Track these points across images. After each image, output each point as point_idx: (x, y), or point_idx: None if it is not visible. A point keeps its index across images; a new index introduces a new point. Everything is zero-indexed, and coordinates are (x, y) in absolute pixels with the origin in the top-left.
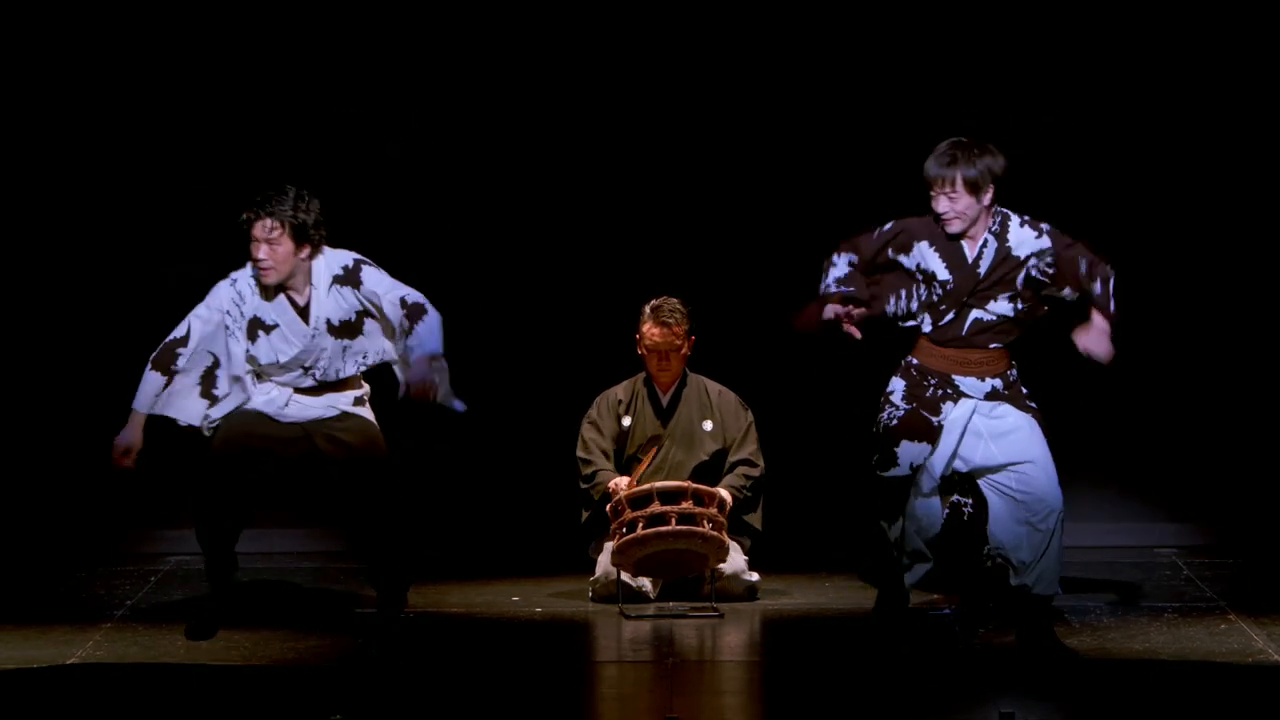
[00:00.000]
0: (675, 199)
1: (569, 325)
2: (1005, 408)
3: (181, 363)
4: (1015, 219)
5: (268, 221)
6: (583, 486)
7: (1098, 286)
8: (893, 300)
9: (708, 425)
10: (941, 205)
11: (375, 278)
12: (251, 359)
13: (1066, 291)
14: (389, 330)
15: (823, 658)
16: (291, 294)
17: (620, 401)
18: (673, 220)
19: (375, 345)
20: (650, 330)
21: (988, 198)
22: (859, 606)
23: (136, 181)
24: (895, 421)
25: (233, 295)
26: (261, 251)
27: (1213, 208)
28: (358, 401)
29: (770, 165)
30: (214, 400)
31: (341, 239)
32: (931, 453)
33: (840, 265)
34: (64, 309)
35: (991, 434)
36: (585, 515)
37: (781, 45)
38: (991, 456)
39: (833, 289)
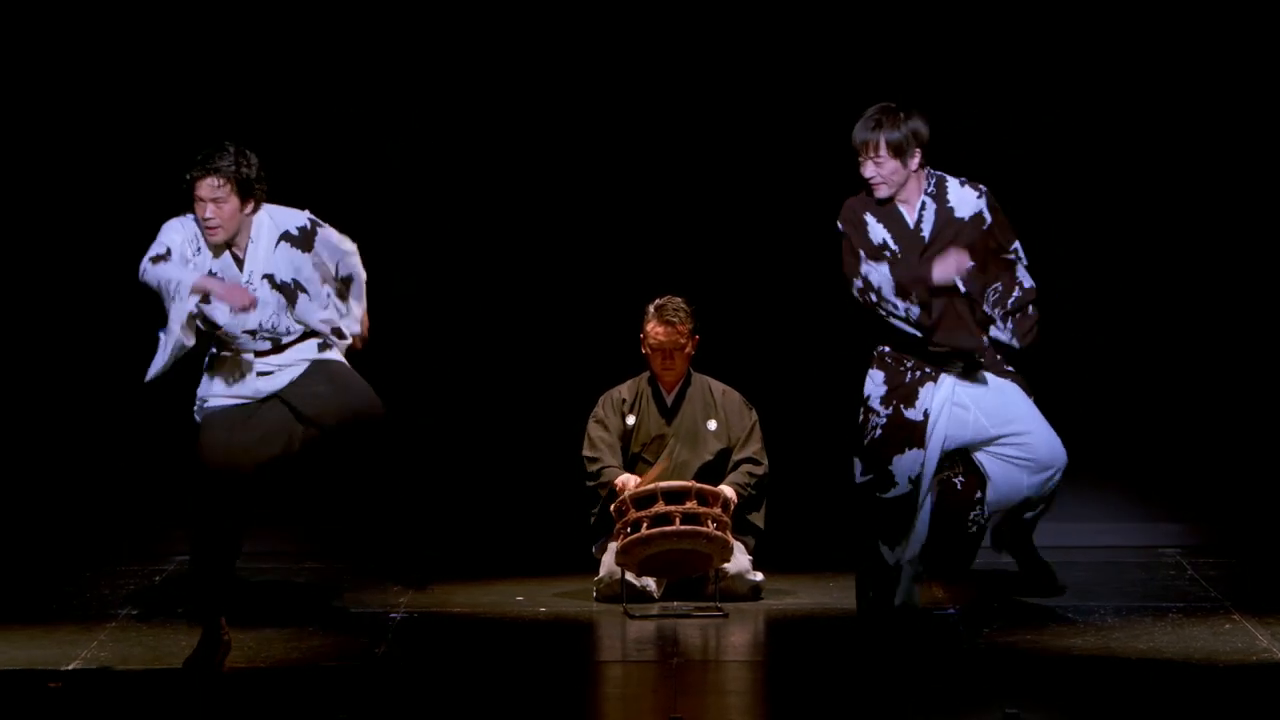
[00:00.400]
0: (679, 198)
1: (573, 324)
2: (984, 374)
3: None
4: (953, 180)
5: (213, 180)
6: (589, 485)
7: (1001, 314)
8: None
9: (712, 424)
10: (868, 170)
11: (327, 236)
12: (204, 317)
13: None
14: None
15: (827, 658)
16: (234, 250)
17: (624, 400)
18: (677, 220)
19: (313, 314)
20: (654, 329)
21: (914, 162)
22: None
23: (134, 180)
24: (880, 433)
25: (186, 237)
26: (209, 210)
27: (1212, 206)
28: (322, 347)
29: (774, 165)
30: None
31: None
32: (924, 459)
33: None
34: (68, 310)
35: (976, 403)
36: (594, 515)
37: (785, 45)
38: (983, 429)
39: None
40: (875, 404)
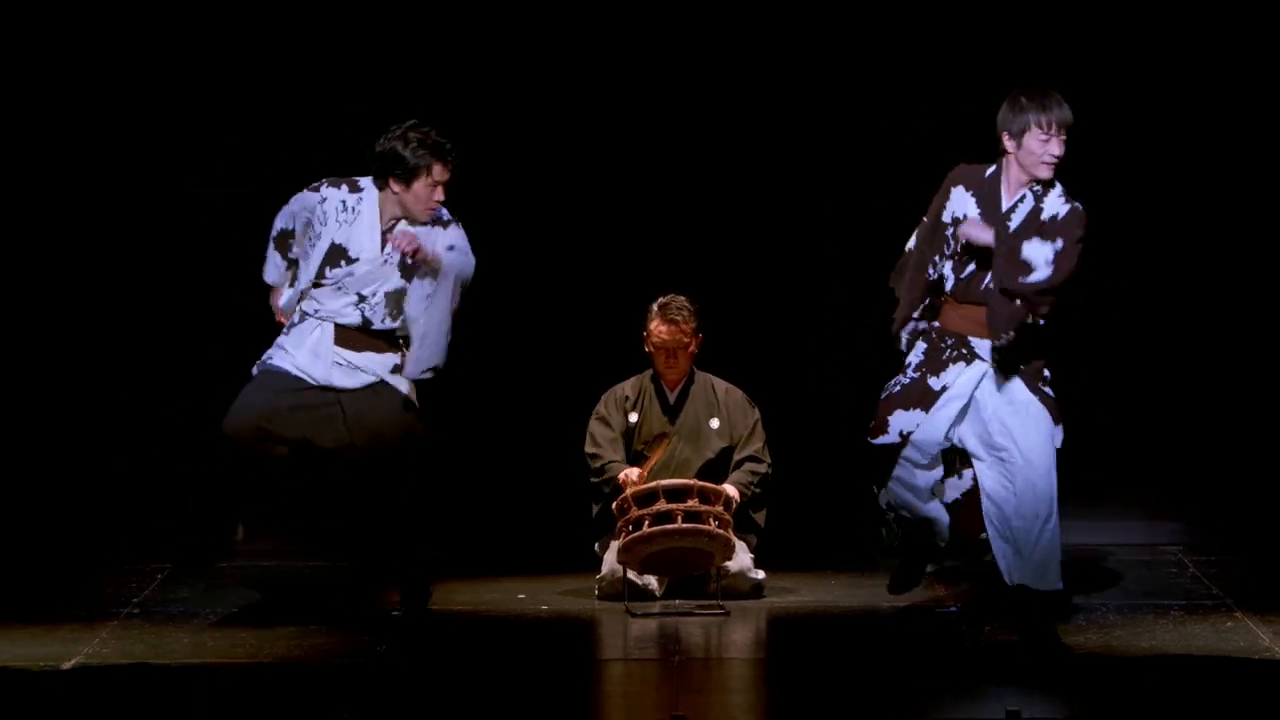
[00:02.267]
0: (683, 197)
1: (576, 323)
2: (1017, 382)
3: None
4: (1058, 187)
5: (448, 168)
6: (593, 480)
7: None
8: (932, 268)
9: (714, 423)
10: (1056, 148)
11: (453, 236)
12: (318, 273)
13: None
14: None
15: (829, 656)
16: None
17: (627, 398)
18: (680, 218)
19: (412, 299)
20: (658, 328)
21: None
22: (866, 604)
23: (136, 181)
24: (898, 389)
25: (319, 210)
26: (439, 194)
27: (1213, 205)
28: (395, 369)
29: (777, 163)
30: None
31: None
32: (920, 421)
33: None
34: (73, 311)
35: (997, 408)
36: (596, 509)
37: (788, 44)
38: (990, 441)
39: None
40: (909, 368)
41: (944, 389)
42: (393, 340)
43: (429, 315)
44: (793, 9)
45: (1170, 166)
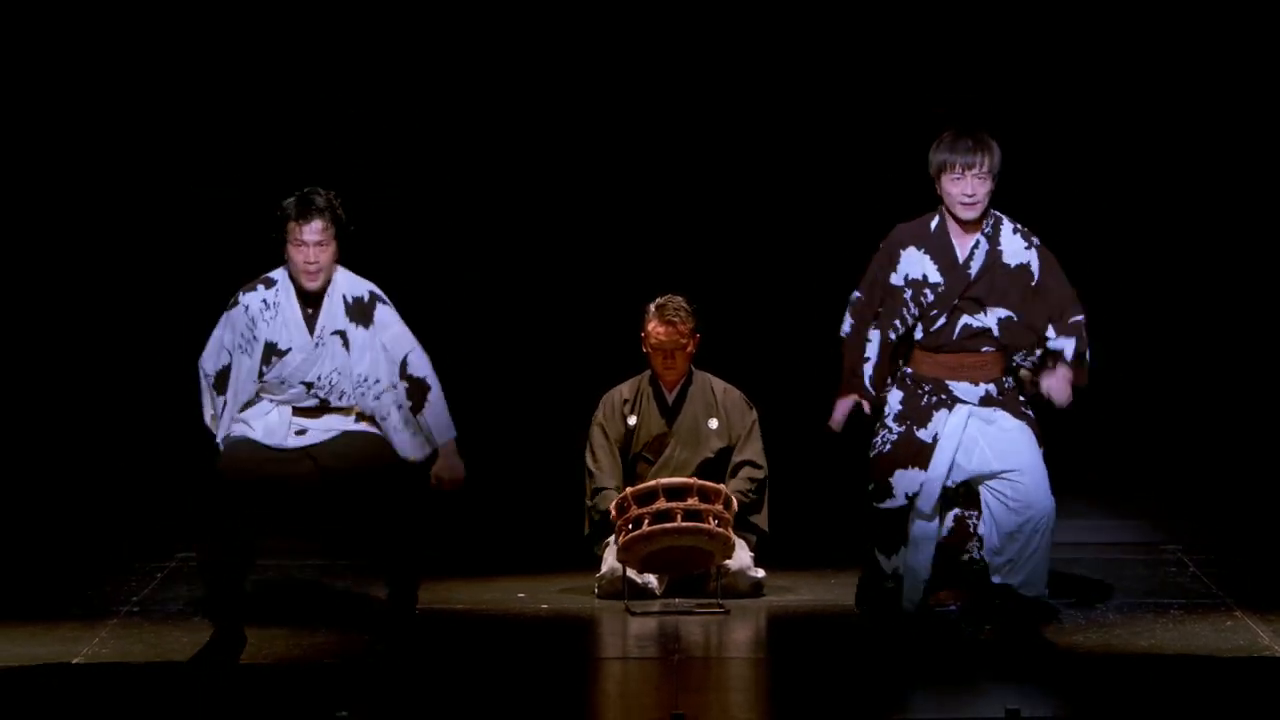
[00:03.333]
0: (680, 198)
1: (574, 323)
2: (1000, 413)
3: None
4: (1008, 224)
5: (318, 223)
6: (587, 502)
7: (1068, 346)
8: (892, 332)
9: (713, 423)
10: (969, 187)
11: (387, 320)
12: (260, 375)
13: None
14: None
15: (828, 654)
16: (307, 308)
17: (626, 400)
18: (677, 219)
19: (364, 400)
20: (655, 329)
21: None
22: None
23: (139, 183)
24: (889, 447)
25: (246, 321)
26: (311, 255)
27: (1210, 206)
28: (359, 419)
29: (774, 164)
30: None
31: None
32: (925, 478)
33: (861, 337)
34: (74, 312)
35: (987, 440)
36: (588, 529)
37: (785, 45)
38: (987, 463)
39: (863, 378)
40: (890, 420)
41: (935, 439)
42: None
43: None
44: (793, 9)
45: (1169, 167)
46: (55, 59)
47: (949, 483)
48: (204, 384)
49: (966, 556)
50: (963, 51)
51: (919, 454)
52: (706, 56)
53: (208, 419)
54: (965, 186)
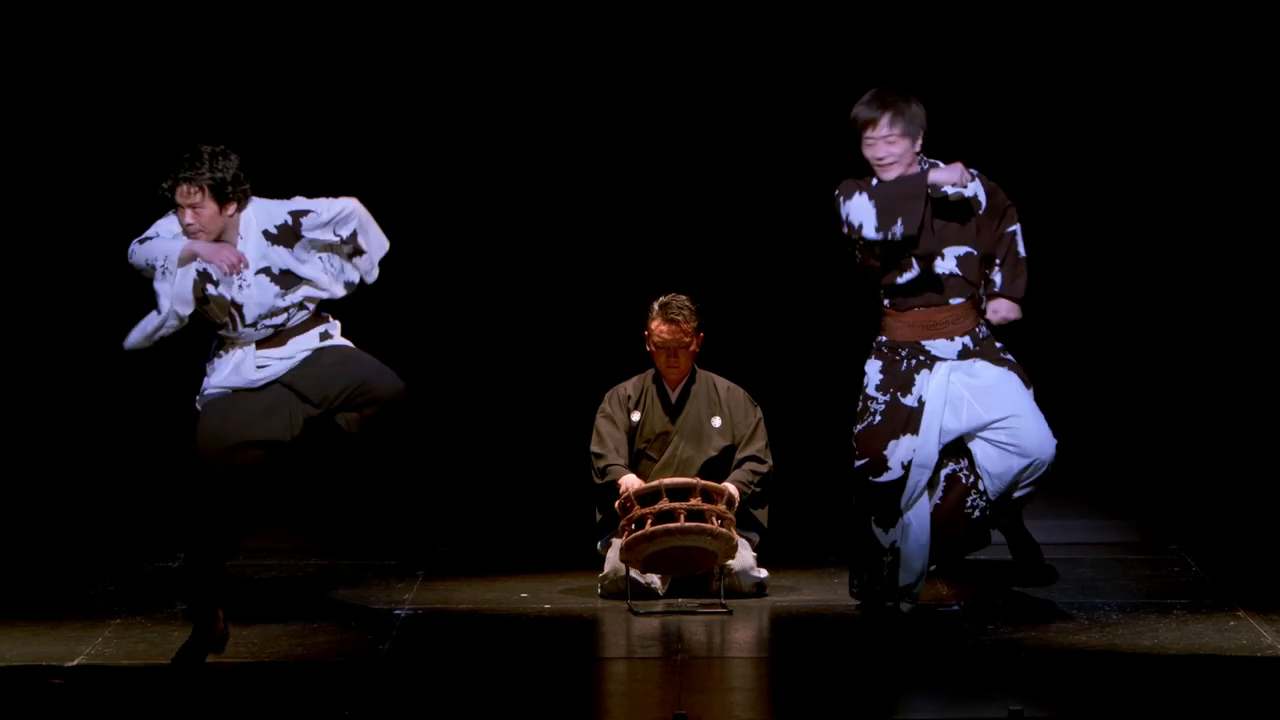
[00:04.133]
0: (684, 196)
1: (578, 322)
2: (981, 364)
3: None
4: (938, 165)
5: (186, 186)
6: (596, 481)
7: (996, 276)
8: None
9: (716, 422)
10: (879, 150)
11: (311, 221)
12: (205, 312)
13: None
14: (330, 259)
15: (831, 654)
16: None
17: (629, 397)
18: (681, 217)
19: (318, 285)
20: (659, 327)
21: (918, 144)
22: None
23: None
24: (878, 419)
25: (178, 231)
26: (188, 216)
27: (1208, 204)
28: (323, 337)
29: (777, 162)
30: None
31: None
32: (918, 443)
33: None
34: (72, 310)
35: (973, 393)
36: (599, 517)
37: (787, 44)
38: (977, 416)
39: None
40: (873, 391)
41: (921, 403)
42: (311, 321)
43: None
44: (793, 9)
45: (1170, 166)
46: (54, 59)
47: (940, 444)
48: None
49: (976, 513)
50: (963, 51)
51: (908, 421)
52: (709, 56)
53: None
54: (876, 149)
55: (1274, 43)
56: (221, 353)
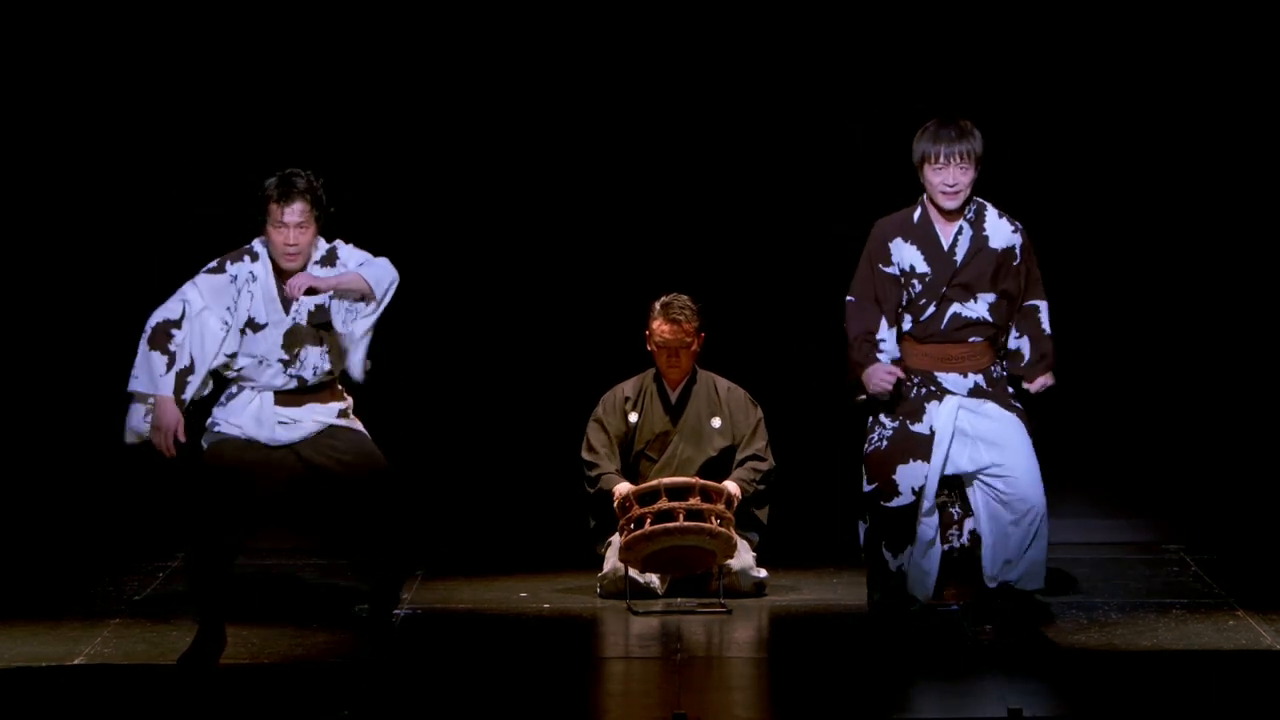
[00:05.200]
0: (685, 196)
1: (578, 321)
2: (990, 405)
3: (173, 345)
4: (991, 210)
5: (299, 205)
6: (589, 490)
7: (1025, 346)
8: (899, 320)
9: (716, 422)
10: (951, 177)
11: (348, 254)
12: (232, 357)
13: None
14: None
15: (831, 654)
16: (280, 281)
17: (628, 398)
18: (682, 217)
19: (344, 333)
20: (660, 327)
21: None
22: (867, 602)
23: (142, 183)
24: (885, 444)
25: (233, 291)
26: (292, 236)
27: (1209, 205)
28: (342, 414)
29: (778, 162)
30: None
31: (348, 237)
32: (928, 470)
33: (870, 323)
34: (74, 311)
35: (977, 434)
36: (593, 523)
37: (789, 43)
38: (978, 458)
39: (878, 356)
40: (883, 417)
41: (931, 432)
42: (333, 388)
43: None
44: (793, 8)
45: (1170, 166)
46: (54, 59)
47: (944, 473)
48: (142, 342)
49: (946, 546)
50: (962, 52)
51: (918, 447)
52: (710, 56)
53: (136, 379)
54: (947, 176)
55: (1274, 43)
56: (238, 395)
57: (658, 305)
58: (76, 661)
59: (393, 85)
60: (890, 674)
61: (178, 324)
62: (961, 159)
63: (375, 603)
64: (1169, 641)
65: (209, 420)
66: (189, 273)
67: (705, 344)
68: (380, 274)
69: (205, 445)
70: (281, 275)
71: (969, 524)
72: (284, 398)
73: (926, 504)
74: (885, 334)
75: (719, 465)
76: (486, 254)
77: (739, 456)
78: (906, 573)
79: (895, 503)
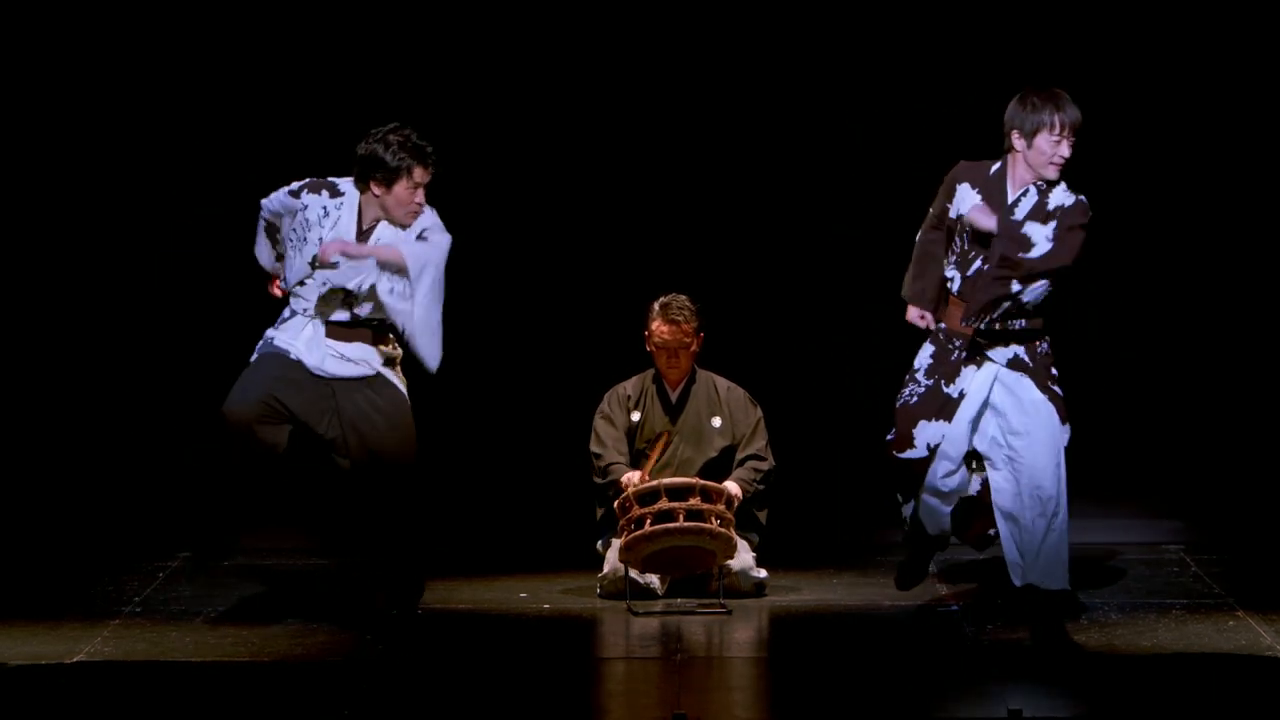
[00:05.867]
0: (684, 196)
1: (578, 322)
2: (1027, 382)
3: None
4: (1063, 185)
5: (429, 170)
6: (596, 480)
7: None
8: (946, 262)
9: (716, 422)
10: (1065, 150)
11: (425, 222)
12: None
13: None
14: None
15: (831, 654)
16: (360, 224)
17: (629, 397)
18: (682, 217)
19: (380, 293)
20: (659, 327)
21: None
22: (867, 603)
23: (143, 184)
24: (915, 399)
25: (301, 219)
26: (419, 196)
27: (1211, 207)
28: (388, 362)
29: (778, 162)
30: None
31: None
32: (946, 432)
33: (924, 267)
34: (76, 310)
35: (1007, 409)
36: (600, 513)
37: (788, 43)
38: (1003, 431)
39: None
40: (919, 374)
41: (961, 395)
42: (380, 330)
43: (413, 315)
44: (794, 12)
45: (1174, 168)
46: (54, 59)
47: (972, 443)
48: (260, 223)
49: (992, 531)
50: (963, 52)
51: (944, 408)
52: (710, 56)
53: (258, 253)
54: (1063, 149)
55: (1274, 44)
56: (289, 316)
57: (657, 306)
58: (76, 660)
59: (392, 86)
60: (890, 675)
61: (276, 227)
62: (1074, 133)
63: (396, 596)
64: (1169, 642)
65: (262, 339)
66: (189, 272)
67: (705, 344)
68: (425, 254)
69: (257, 353)
70: (361, 226)
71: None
72: (336, 329)
73: (946, 463)
74: (932, 278)
75: (719, 466)
76: (486, 255)
77: (739, 456)
78: (920, 520)
79: (908, 454)
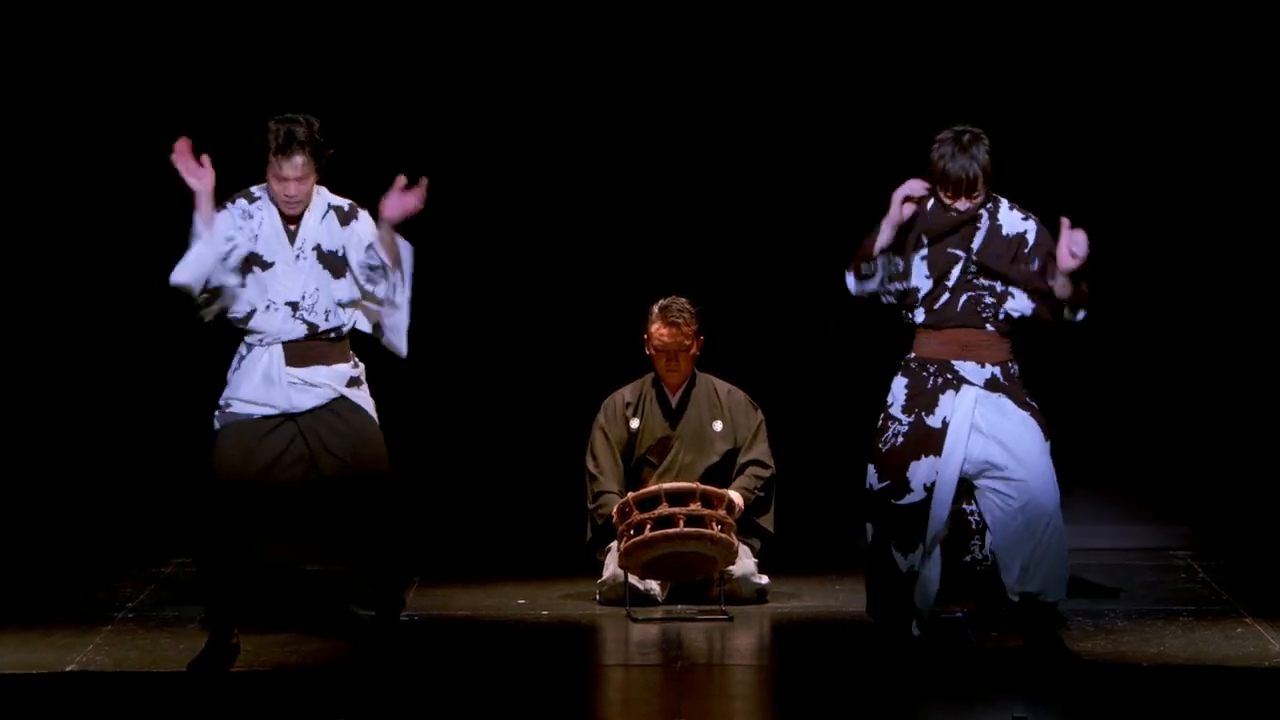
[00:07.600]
0: (683, 198)
1: (577, 325)
2: (1006, 401)
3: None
4: (1004, 202)
5: (299, 159)
6: (589, 506)
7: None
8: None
9: (717, 426)
10: (961, 205)
11: (366, 226)
12: (247, 317)
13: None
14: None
15: (832, 661)
16: (286, 222)
17: (628, 404)
18: (681, 220)
19: (352, 293)
20: (659, 330)
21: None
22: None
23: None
24: (900, 440)
25: (239, 224)
26: (292, 189)
27: (1212, 210)
28: (353, 382)
29: (777, 164)
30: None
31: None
32: (940, 464)
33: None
34: (72, 314)
35: (991, 430)
36: (590, 534)
37: (788, 45)
38: (991, 454)
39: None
40: (897, 411)
41: (945, 424)
42: (342, 349)
43: (401, 295)
44: (795, 12)
45: (1171, 167)
46: (54, 59)
47: (964, 471)
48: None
49: (969, 557)
50: (962, 52)
51: (930, 441)
52: (709, 56)
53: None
54: (960, 205)
55: (1274, 44)
56: (250, 359)
57: (656, 308)
58: (68, 669)
59: (391, 88)
60: (893, 682)
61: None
62: (978, 185)
63: (380, 606)
64: (1176, 649)
65: (222, 397)
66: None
67: (704, 347)
68: (408, 253)
69: (217, 425)
70: (285, 217)
71: (990, 537)
72: (294, 351)
73: (938, 502)
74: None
75: (721, 470)
76: (485, 257)
77: (740, 461)
78: (917, 573)
79: (907, 500)
